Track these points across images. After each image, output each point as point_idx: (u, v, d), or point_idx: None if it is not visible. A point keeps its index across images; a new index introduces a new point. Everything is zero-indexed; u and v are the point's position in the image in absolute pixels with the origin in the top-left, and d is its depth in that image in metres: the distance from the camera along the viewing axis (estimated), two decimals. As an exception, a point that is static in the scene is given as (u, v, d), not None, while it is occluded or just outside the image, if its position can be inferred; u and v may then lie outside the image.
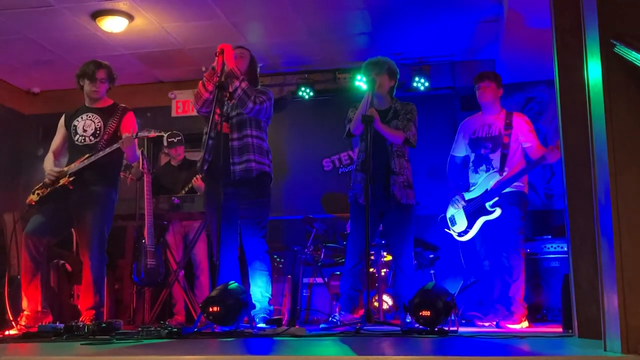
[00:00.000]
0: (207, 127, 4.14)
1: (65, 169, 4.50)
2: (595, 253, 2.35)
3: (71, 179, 4.42)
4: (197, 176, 5.54)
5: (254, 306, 4.13)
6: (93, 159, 4.43)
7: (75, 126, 4.61)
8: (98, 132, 4.56)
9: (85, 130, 4.57)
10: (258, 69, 4.62)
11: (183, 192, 5.63)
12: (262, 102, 4.31)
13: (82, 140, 4.56)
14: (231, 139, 4.33)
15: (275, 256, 6.26)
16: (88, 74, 4.57)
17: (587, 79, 2.44)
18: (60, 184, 4.44)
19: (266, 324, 4.15)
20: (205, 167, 4.32)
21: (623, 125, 2.18)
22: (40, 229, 4.42)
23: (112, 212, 4.58)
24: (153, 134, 4.64)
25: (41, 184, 4.55)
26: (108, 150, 4.44)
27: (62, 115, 4.75)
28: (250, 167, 4.29)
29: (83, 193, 4.44)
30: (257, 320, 4.14)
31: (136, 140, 4.59)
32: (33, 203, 4.51)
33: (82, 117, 4.62)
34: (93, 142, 4.53)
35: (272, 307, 4.39)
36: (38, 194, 4.50)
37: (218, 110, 4.20)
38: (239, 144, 4.32)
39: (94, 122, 4.59)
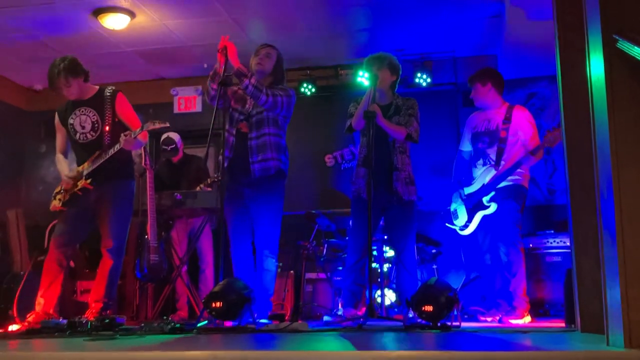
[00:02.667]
0: (226, 124, 4.12)
1: (80, 169, 4.48)
2: (597, 248, 2.35)
3: (89, 180, 4.41)
4: (203, 183, 5.51)
5: (257, 301, 4.16)
6: (104, 158, 4.40)
7: (72, 124, 4.55)
8: (97, 125, 4.51)
9: (83, 127, 4.52)
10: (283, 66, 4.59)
11: (200, 187, 5.54)
12: (275, 95, 4.30)
13: (84, 138, 4.52)
14: (250, 138, 4.35)
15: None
16: (57, 81, 4.39)
17: (589, 75, 2.44)
18: (80, 187, 4.42)
19: (268, 319, 4.16)
20: (226, 165, 4.30)
21: (625, 120, 2.18)
22: (65, 238, 4.44)
23: (132, 203, 4.58)
24: (158, 125, 4.42)
25: (60, 189, 4.54)
26: (111, 152, 4.39)
27: (55, 114, 4.69)
28: (269, 165, 4.31)
29: (102, 189, 4.44)
30: (256, 316, 4.16)
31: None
32: (57, 210, 4.51)
33: (75, 114, 4.55)
34: (95, 137, 4.50)
35: (270, 303, 4.42)
36: (59, 200, 4.50)
37: (238, 107, 4.19)
38: (257, 142, 4.34)
39: (89, 117, 4.52)
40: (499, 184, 4.66)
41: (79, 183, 4.42)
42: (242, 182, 4.30)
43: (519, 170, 4.66)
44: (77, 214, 4.48)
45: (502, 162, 4.69)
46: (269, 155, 4.32)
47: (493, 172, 4.69)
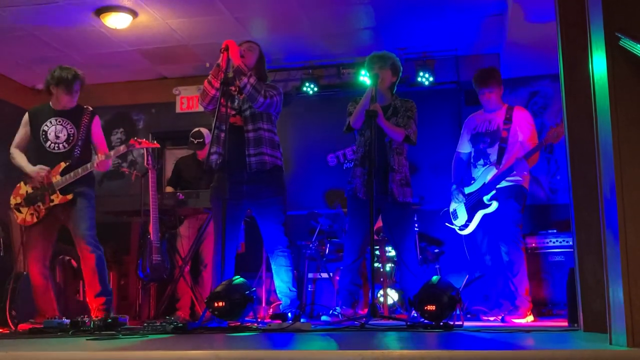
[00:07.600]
0: (216, 122, 4.11)
1: (49, 174, 4.53)
2: (600, 247, 2.35)
3: (70, 196, 4.52)
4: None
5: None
6: (74, 177, 4.54)
7: (45, 132, 4.61)
8: (72, 138, 4.61)
9: (57, 137, 4.60)
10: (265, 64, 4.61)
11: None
12: (272, 96, 4.32)
13: (57, 148, 4.60)
14: (246, 130, 4.34)
15: None
16: (66, 83, 4.56)
17: (592, 73, 2.43)
18: (55, 202, 4.53)
19: (272, 319, 4.16)
20: (219, 161, 4.29)
21: (628, 118, 2.17)
22: (41, 249, 4.59)
23: (94, 204, 4.70)
24: (143, 143, 4.83)
25: (21, 199, 4.62)
26: (82, 172, 4.54)
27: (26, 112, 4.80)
28: (264, 159, 4.30)
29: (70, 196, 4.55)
30: (290, 315, 4.16)
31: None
32: (29, 224, 4.58)
33: (51, 122, 4.63)
34: (68, 148, 4.59)
35: (299, 301, 4.41)
36: (32, 214, 4.54)
37: (228, 104, 4.20)
38: (254, 135, 4.33)
39: (66, 128, 4.62)
40: (499, 183, 4.66)
41: (53, 197, 4.52)
42: (239, 179, 4.27)
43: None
44: (49, 223, 4.60)
45: (504, 162, 4.69)
46: (264, 150, 4.31)
47: (494, 171, 4.69)
